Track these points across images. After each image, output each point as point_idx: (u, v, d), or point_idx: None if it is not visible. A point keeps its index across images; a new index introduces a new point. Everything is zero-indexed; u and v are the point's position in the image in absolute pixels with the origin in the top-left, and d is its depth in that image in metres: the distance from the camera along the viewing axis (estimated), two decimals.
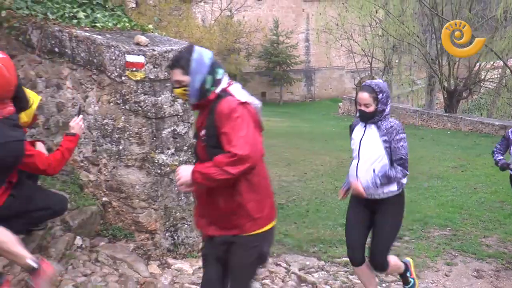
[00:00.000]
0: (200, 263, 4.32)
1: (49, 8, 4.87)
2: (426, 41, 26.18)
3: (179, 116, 4.42)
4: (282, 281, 4.66)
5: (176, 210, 4.47)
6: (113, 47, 4.25)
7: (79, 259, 3.94)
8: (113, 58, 4.24)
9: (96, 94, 4.43)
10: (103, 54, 4.30)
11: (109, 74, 4.30)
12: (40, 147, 3.76)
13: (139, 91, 4.22)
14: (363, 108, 3.77)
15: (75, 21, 4.72)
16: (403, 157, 3.75)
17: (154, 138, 4.28)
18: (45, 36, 4.64)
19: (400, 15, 25.08)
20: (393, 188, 3.79)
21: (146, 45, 4.27)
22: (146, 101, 4.22)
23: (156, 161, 4.30)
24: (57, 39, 4.57)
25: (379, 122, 3.78)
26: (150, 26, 4.99)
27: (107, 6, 5.25)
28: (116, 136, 4.33)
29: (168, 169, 4.36)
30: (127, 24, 4.86)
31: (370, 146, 3.80)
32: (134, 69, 4.17)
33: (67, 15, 4.78)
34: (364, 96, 3.74)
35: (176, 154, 4.41)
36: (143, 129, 4.25)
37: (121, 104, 4.28)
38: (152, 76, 4.20)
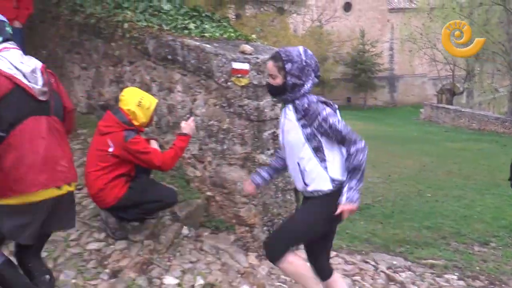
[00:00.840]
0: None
1: (164, 20, 5.02)
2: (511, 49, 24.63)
3: (278, 119, 4.37)
4: (372, 279, 4.49)
5: (273, 206, 4.42)
6: (220, 55, 4.28)
7: (186, 247, 4.00)
8: (220, 65, 4.27)
9: (204, 97, 4.48)
10: (211, 62, 4.34)
11: (216, 79, 4.33)
12: (154, 144, 3.87)
13: (243, 95, 4.21)
14: (269, 80, 2.94)
15: (186, 31, 4.81)
16: (345, 135, 2.82)
17: (256, 139, 4.26)
18: (160, 45, 4.76)
19: (485, 24, 23.77)
20: (323, 187, 2.88)
21: (251, 54, 4.26)
22: (249, 105, 4.21)
23: (257, 161, 4.27)
24: (170, 47, 4.68)
25: (296, 101, 2.88)
26: (253, 36, 4.99)
27: (214, 18, 5.33)
28: (221, 136, 4.35)
29: None
30: (232, 34, 4.88)
31: (290, 133, 2.92)
32: (239, 75, 4.17)
33: (179, 26, 4.89)
34: (269, 65, 2.93)
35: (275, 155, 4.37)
36: (246, 130, 4.24)
37: (226, 107, 4.30)
38: (255, 82, 4.18)
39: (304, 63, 2.85)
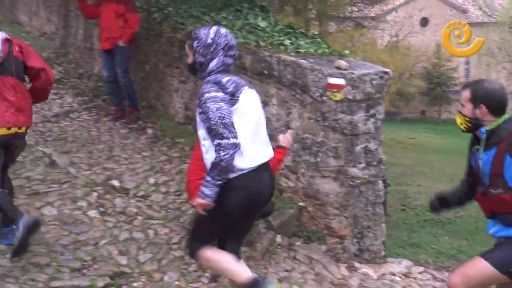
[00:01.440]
0: (383, 269, 4.08)
1: (260, 36, 5.02)
2: None
3: (371, 134, 4.19)
4: None
5: (363, 219, 4.24)
6: (316, 70, 4.18)
7: (280, 256, 3.92)
8: (316, 80, 4.17)
9: (298, 111, 4.40)
10: (307, 77, 4.25)
11: (311, 94, 4.24)
12: None
13: (337, 110, 4.08)
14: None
15: (282, 47, 4.76)
16: (211, 125, 2.45)
17: (348, 153, 4.11)
18: (257, 60, 4.75)
19: None
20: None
21: (346, 69, 4.13)
22: (343, 119, 4.07)
23: (349, 174, 4.12)
24: (267, 62, 4.65)
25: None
26: (346, 51, 4.86)
27: (308, 34, 5.26)
28: (315, 149, 4.24)
29: (359, 181, 4.16)
30: (326, 50, 4.77)
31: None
32: (334, 90, 4.05)
33: (275, 43, 4.86)
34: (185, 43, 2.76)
35: (367, 168, 4.19)
36: (340, 144, 4.11)
37: (321, 121, 4.19)
38: (350, 97, 4.04)
39: (211, 41, 2.63)
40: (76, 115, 6.49)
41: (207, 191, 2.51)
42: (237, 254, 2.84)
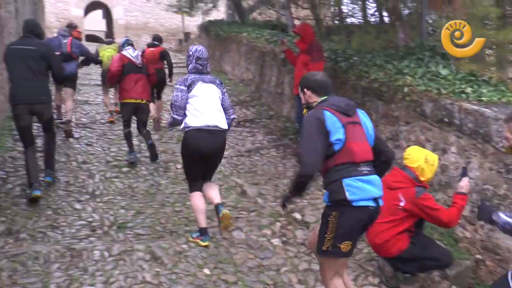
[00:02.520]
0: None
1: (442, 84, 4.89)
2: None
3: None
4: None
5: None
6: (500, 120, 3.92)
7: None
8: (500, 130, 3.90)
9: (479, 161, 4.15)
10: (490, 126, 4.01)
11: (494, 144, 3.98)
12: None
13: None
14: None
15: (463, 95, 4.58)
16: (171, 103, 4.25)
17: None
18: (437, 108, 4.65)
19: None
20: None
21: None
22: None
23: None
24: (447, 110, 4.52)
25: None
26: None
27: (491, 82, 4.95)
28: (496, 201, 3.94)
29: None
30: (511, 98, 4.44)
31: None
32: None
33: (456, 90, 4.70)
34: None
35: None
36: None
37: (504, 173, 3.89)
38: None
39: (190, 53, 4.29)
40: (266, 151, 7.08)
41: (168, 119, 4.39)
42: (201, 185, 4.28)
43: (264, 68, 9.83)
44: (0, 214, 4.53)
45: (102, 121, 8.17)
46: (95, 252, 3.93)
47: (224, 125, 4.17)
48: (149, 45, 8.04)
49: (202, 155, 4.10)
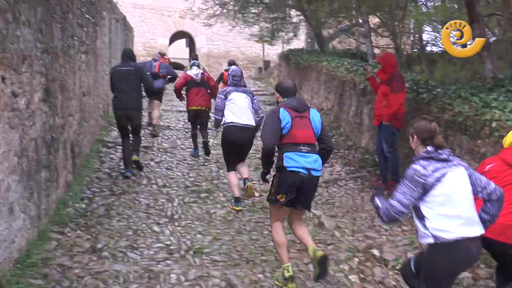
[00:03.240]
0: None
1: None
2: None
3: None
4: None
5: None
6: None
7: None
8: None
9: None
10: None
11: None
12: None
13: None
14: None
15: None
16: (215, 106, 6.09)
17: None
18: None
19: None
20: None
21: None
22: None
23: None
24: None
25: None
26: None
27: None
28: None
29: None
30: None
31: None
32: None
33: None
34: None
35: None
36: None
37: None
38: None
39: (229, 73, 6.23)
40: (343, 183, 6.96)
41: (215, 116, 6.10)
42: (235, 167, 5.84)
43: (344, 98, 9.76)
44: (86, 231, 4.81)
45: (183, 146, 8.51)
46: (172, 275, 4.04)
47: (252, 123, 5.81)
48: (226, 70, 10.33)
49: (234, 145, 5.74)
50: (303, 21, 16.18)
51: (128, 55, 6.84)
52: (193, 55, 9.15)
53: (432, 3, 13.30)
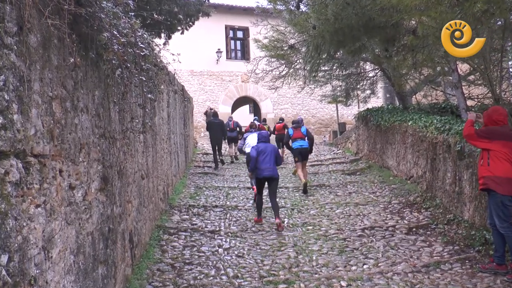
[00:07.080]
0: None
1: None
2: None
3: None
4: None
5: None
6: None
7: None
8: None
9: None
10: None
11: None
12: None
13: None
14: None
15: None
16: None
17: None
18: None
19: None
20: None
21: None
22: None
23: None
24: None
25: None
26: None
27: None
28: None
29: None
30: None
31: None
32: None
33: None
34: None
35: None
36: None
37: None
38: None
39: (250, 123, 14.87)
40: (448, 266, 6.50)
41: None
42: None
43: (436, 162, 9.40)
44: None
45: (253, 229, 8.45)
46: None
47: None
48: (277, 122, 18.57)
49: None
50: (380, 76, 16.14)
51: (215, 115, 16.66)
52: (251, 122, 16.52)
53: None
